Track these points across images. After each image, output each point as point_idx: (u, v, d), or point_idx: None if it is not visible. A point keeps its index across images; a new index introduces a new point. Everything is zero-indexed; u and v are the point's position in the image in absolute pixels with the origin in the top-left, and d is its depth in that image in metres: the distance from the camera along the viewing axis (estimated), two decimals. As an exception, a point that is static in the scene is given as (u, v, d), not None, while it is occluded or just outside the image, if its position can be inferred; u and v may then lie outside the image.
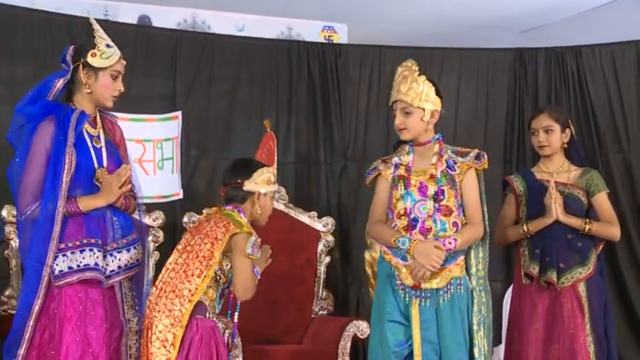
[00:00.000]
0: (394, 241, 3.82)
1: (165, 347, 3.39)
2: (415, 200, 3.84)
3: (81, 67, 3.63)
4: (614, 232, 4.46)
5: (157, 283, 3.56)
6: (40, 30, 5.63)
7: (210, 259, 3.46)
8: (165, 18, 6.82)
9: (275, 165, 3.73)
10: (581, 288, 4.34)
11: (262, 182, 3.64)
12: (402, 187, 3.87)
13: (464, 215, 3.88)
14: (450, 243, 3.77)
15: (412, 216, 3.82)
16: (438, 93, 3.94)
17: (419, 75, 3.89)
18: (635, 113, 6.37)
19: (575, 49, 6.47)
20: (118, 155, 3.75)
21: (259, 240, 3.59)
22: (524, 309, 4.42)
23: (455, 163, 3.91)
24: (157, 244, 5.45)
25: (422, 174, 3.89)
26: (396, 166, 3.95)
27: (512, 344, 4.48)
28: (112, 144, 3.76)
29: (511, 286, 4.75)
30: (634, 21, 6.72)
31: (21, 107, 3.63)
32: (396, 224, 3.86)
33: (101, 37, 3.67)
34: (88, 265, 3.50)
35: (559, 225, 4.34)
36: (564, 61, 6.46)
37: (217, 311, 3.63)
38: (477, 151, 3.96)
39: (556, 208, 4.30)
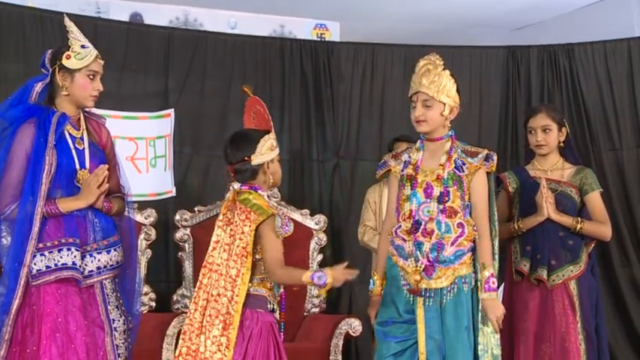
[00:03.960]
0: (373, 273, 3.98)
1: (220, 351, 3.39)
2: (420, 202, 3.81)
3: (57, 69, 3.61)
4: (605, 232, 4.45)
5: (198, 282, 3.53)
6: (31, 28, 5.62)
7: (244, 256, 3.44)
8: (157, 15, 6.81)
9: (272, 128, 3.65)
10: (573, 286, 4.33)
11: (267, 150, 3.57)
12: (409, 187, 3.84)
13: (470, 216, 3.84)
14: (493, 283, 3.78)
15: (416, 218, 3.80)
16: (458, 90, 3.92)
17: (443, 69, 3.86)
18: (627, 111, 6.38)
19: (568, 47, 6.48)
20: (102, 157, 3.72)
21: (286, 215, 3.58)
22: (515, 307, 4.40)
23: (464, 164, 3.86)
24: (149, 242, 5.44)
25: (429, 174, 3.85)
26: (405, 164, 3.92)
27: (504, 342, 4.31)
28: (96, 146, 3.73)
29: (502, 284, 4.68)
30: (625, 19, 6.72)
31: (2, 111, 3.62)
32: (400, 225, 3.83)
33: (75, 38, 3.64)
34: (66, 264, 3.48)
35: (551, 222, 4.34)
36: (557, 59, 6.47)
37: (281, 291, 3.60)
38: (486, 151, 3.91)
39: (547, 207, 4.29)
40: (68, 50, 3.61)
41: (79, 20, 5.67)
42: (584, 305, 4.35)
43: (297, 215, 5.78)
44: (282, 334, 3.57)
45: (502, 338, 4.31)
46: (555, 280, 4.31)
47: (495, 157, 3.90)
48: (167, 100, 5.96)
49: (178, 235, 5.52)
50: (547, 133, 4.45)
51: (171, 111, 5.75)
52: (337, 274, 3.42)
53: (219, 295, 3.43)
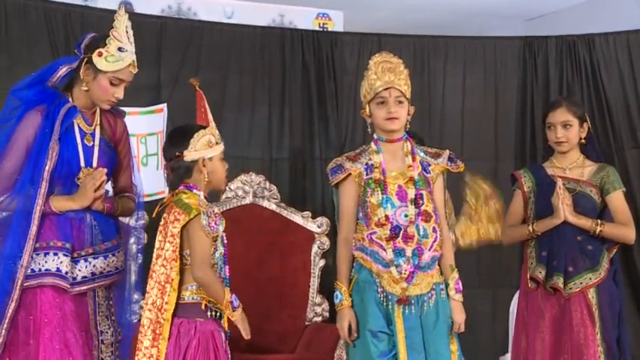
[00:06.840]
0: (336, 284, 3.89)
1: None
2: (396, 206, 3.76)
3: (85, 60, 3.48)
4: (628, 234, 4.32)
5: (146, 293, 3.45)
6: (15, 18, 5.40)
7: (174, 260, 3.36)
8: (149, 4, 6.66)
9: (212, 124, 3.54)
10: (591, 295, 4.23)
11: (203, 147, 3.47)
12: (380, 192, 3.78)
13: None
14: (457, 284, 3.84)
15: (394, 224, 3.74)
16: None
17: (405, 67, 3.87)
18: (652, 106, 6.25)
19: (588, 38, 6.33)
20: (113, 156, 3.63)
21: (215, 210, 3.47)
22: (531, 316, 4.33)
23: (429, 165, 3.89)
24: (139, 247, 5.17)
25: (400, 177, 3.82)
26: (369, 168, 3.85)
27: (519, 353, 4.38)
28: (108, 143, 3.63)
29: (517, 292, 4.64)
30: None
31: (17, 90, 3.51)
32: (374, 232, 3.76)
33: (116, 38, 3.49)
34: (49, 270, 3.38)
35: (568, 225, 4.22)
36: (576, 51, 6.32)
37: None
38: (448, 152, 3.95)
39: (564, 209, 4.18)
40: (103, 47, 3.45)
41: (66, 9, 5.55)
42: (605, 315, 4.24)
43: (298, 218, 5.65)
44: (226, 342, 3.49)
45: (517, 349, 4.39)
46: (572, 288, 4.21)
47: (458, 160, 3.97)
48: (159, 94, 5.79)
49: (171, 238, 5.31)
50: (567, 129, 4.35)
51: (164, 106, 5.58)
52: (243, 314, 3.47)
53: (152, 303, 3.37)
